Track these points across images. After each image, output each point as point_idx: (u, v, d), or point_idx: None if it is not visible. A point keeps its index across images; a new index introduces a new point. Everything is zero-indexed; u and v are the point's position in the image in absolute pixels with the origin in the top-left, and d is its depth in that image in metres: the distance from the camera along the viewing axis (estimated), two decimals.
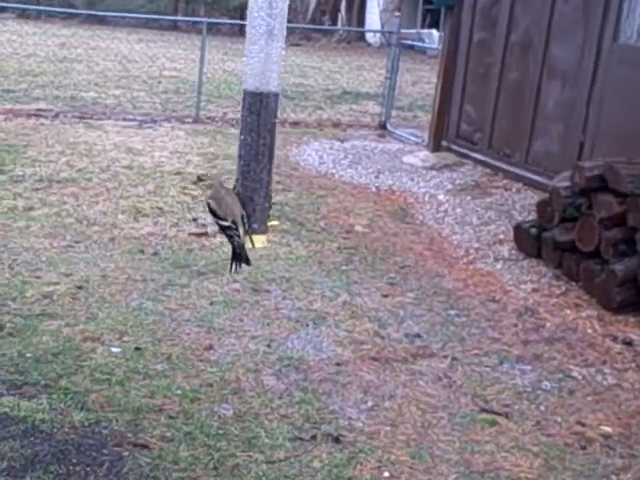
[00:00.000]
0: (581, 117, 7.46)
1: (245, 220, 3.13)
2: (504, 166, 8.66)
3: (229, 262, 2.85)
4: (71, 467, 3.07)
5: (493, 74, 8.87)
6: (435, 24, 25.60)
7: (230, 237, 3.41)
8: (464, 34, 9.38)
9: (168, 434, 3.38)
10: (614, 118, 6.68)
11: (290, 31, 20.53)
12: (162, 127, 10.39)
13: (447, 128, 9.72)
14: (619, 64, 6.75)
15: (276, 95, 2.15)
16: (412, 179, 8.64)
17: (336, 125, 11.80)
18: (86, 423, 3.40)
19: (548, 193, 7.30)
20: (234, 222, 3.27)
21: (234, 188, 3.11)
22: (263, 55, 1.93)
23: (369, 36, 28.18)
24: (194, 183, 2.54)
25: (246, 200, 3.11)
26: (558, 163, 7.65)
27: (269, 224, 3.21)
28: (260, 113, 2.13)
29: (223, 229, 3.40)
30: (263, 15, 2.27)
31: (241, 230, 3.31)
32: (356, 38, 28.33)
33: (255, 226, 3.07)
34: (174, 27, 27.83)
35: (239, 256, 3.59)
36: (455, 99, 9.58)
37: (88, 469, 3.06)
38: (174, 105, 12.21)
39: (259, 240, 3.18)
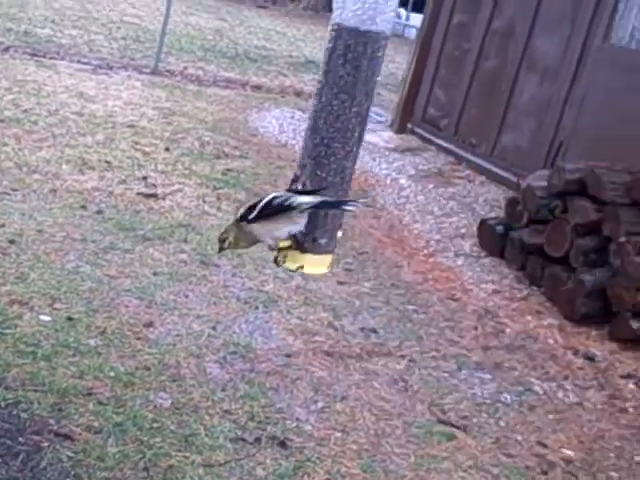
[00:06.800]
0: (556, 115, 7.19)
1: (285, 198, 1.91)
2: (469, 156, 8.36)
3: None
4: None
5: (469, 60, 8.54)
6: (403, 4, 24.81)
7: None
8: (444, 15, 9.02)
9: (96, 424, 2.99)
10: (594, 121, 6.40)
11: None
12: (118, 75, 9.83)
13: (413, 111, 9.38)
14: (608, 65, 6.45)
15: (386, 39, 1.40)
16: (374, 159, 8.29)
17: (299, 94, 11.36)
18: (3, 404, 2.99)
19: (513, 189, 7.07)
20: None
21: (292, 182, 1.63)
22: None
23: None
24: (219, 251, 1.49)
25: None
26: (526, 160, 7.38)
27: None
28: (360, 65, 1.40)
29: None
30: None
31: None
32: (323, 7, 27.75)
33: (322, 242, 1.94)
34: None
35: None
36: (425, 82, 9.23)
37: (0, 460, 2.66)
38: (132, 53, 11.62)
39: (323, 262, 1.98)
